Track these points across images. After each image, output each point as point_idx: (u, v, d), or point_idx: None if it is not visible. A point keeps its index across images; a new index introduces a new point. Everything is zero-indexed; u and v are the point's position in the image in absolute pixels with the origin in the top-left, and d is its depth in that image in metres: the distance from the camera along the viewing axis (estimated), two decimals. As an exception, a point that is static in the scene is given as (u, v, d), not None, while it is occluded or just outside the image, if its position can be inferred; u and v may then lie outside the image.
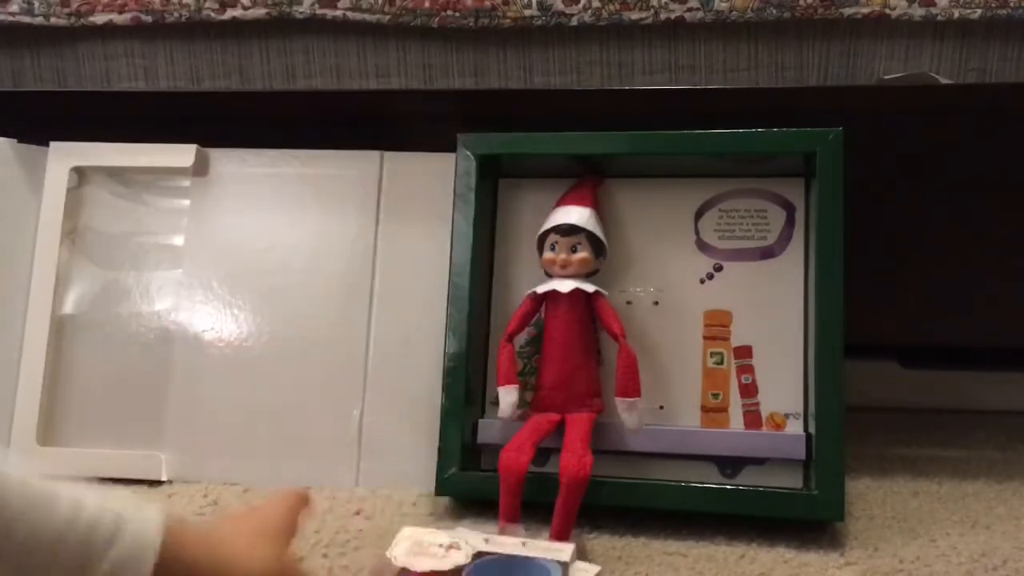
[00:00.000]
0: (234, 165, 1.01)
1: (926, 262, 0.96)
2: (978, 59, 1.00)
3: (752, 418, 0.85)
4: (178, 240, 1.01)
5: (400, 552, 0.66)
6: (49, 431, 0.97)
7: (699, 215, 0.90)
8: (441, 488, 0.85)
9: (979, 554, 0.76)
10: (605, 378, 0.87)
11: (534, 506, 0.77)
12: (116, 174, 1.02)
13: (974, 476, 0.95)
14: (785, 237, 0.88)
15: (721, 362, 0.87)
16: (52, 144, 1.02)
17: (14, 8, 1.10)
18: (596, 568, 0.70)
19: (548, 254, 0.87)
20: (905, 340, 1.05)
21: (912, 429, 1.13)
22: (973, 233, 0.96)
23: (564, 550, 0.68)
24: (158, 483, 0.93)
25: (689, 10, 1.01)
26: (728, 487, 0.82)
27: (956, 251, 0.96)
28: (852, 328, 0.81)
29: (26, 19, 1.10)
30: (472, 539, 0.68)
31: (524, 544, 0.68)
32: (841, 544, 0.79)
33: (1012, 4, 0.97)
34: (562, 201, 0.89)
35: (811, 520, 0.80)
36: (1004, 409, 1.19)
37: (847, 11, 1.00)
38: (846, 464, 0.80)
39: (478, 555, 0.66)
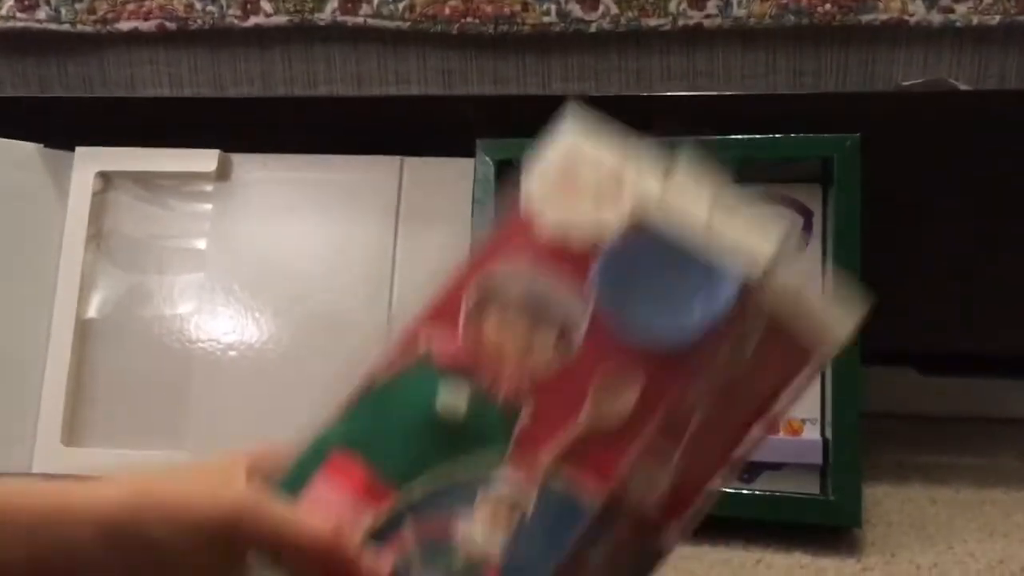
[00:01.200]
0: (256, 170, 1.02)
1: (943, 268, 0.96)
2: (997, 65, 1.00)
3: (769, 423, 0.85)
4: (201, 244, 1.02)
5: (544, 184, 0.44)
6: (73, 432, 0.98)
7: (716, 221, 0.90)
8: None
9: (996, 561, 0.76)
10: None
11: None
12: (140, 179, 1.04)
13: (992, 483, 0.95)
14: (802, 243, 0.88)
15: (738, 367, 0.87)
16: (78, 149, 1.03)
17: (41, 15, 1.11)
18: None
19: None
20: (923, 347, 1.04)
21: (930, 436, 1.12)
22: (992, 239, 0.95)
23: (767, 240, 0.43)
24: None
25: (707, 17, 1.01)
26: (745, 492, 0.82)
27: (974, 257, 0.96)
28: (869, 334, 0.81)
29: (53, 26, 1.12)
30: (645, 183, 0.44)
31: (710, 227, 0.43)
32: (858, 550, 0.79)
33: (1032, 11, 0.97)
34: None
35: (828, 526, 0.80)
36: (1022, 417, 1.19)
37: (865, 17, 1.00)
38: (863, 470, 0.80)
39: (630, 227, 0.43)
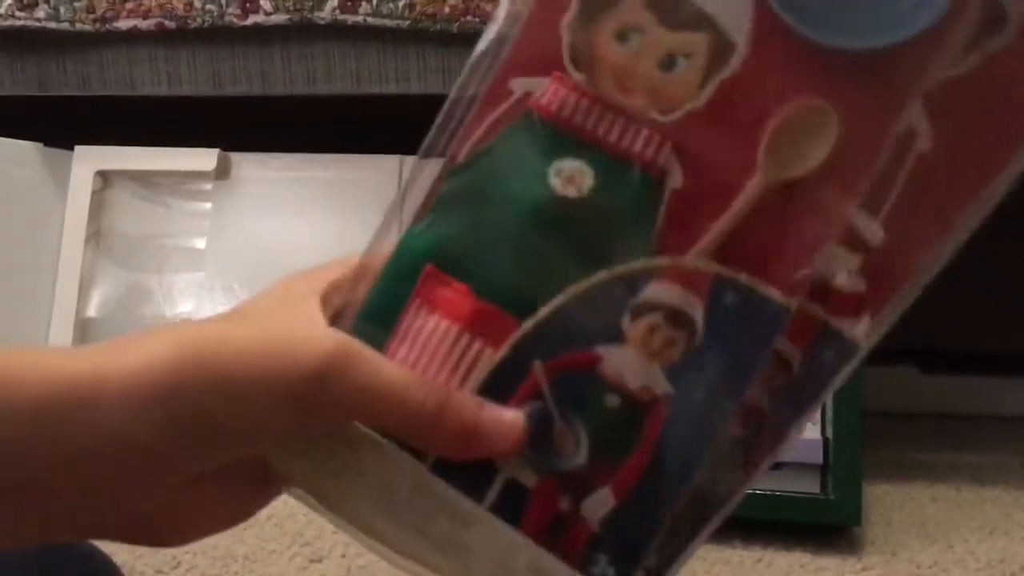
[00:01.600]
0: (255, 169, 1.02)
1: (945, 267, 0.96)
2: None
3: (769, 422, 0.85)
4: (200, 243, 1.02)
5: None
6: (73, 431, 0.98)
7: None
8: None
9: (997, 560, 0.76)
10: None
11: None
12: (140, 178, 1.04)
13: (993, 482, 0.95)
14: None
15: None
16: (77, 148, 1.03)
17: (40, 14, 1.11)
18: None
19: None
20: (924, 345, 1.04)
21: (931, 434, 1.12)
22: (995, 238, 0.95)
23: None
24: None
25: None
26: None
27: (977, 256, 0.96)
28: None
29: (52, 25, 1.11)
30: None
31: None
32: (858, 549, 0.79)
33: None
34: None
35: (828, 524, 0.80)
36: (1023, 415, 1.19)
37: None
38: (864, 469, 0.80)
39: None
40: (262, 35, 1.09)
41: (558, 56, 0.28)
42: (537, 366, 0.29)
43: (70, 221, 1.02)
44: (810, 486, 0.83)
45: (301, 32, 1.09)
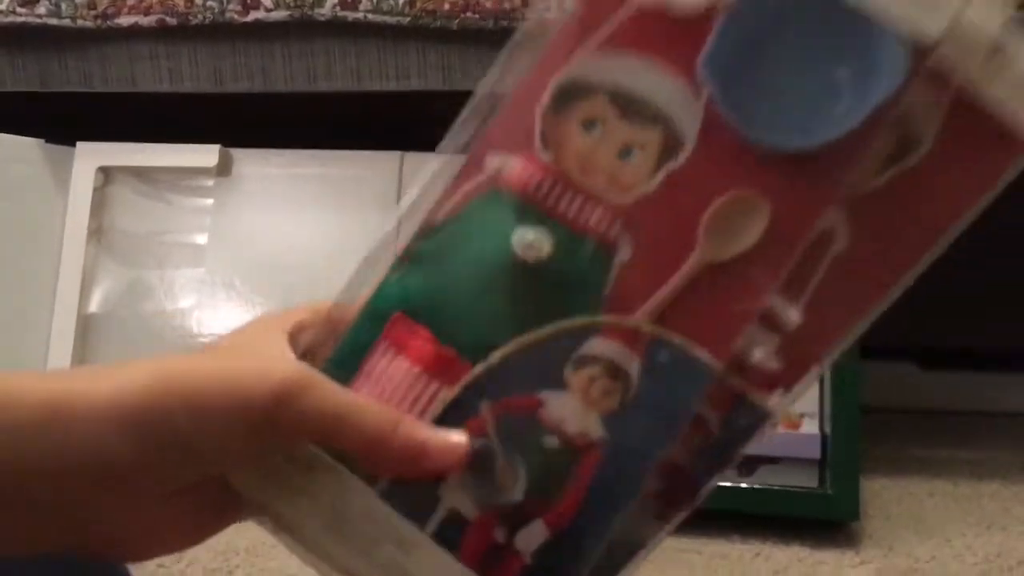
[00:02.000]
0: (256, 165, 1.03)
1: (944, 264, 0.96)
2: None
3: (768, 418, 0.86)
4: (201, 239, 1.02)
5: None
6: (74, 426, 0.98)
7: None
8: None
9: (994, 555, 0.76)
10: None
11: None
12: (141, 174, 1.04)
13: (990, 477, 0.95)
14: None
15: (737, 362, 0.87)
16: (78, 144, 1.04)
17: (42, 11, 1.12)
18: None
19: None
20: (923, 342, 1.05)
21: (929, 430, 1.13)
22: (992, 235, 0.96)
23: None
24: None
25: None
26: (743, 485, 0.82)
27: (974, 253, 0.96)
28: (870, 329, 0.81)
29: (53, 21, 1.12)
30: None
31: None
32: (856, 543, 0.79)
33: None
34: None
35: (826, 519, 0.81)
36: (1021, 411, 1.19)
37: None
38: (862, 464, 0.80)
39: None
40: (263, 32, 1.10)
41: (531, 137, 0.32)
42: (484, 406, 0.32)
43: (71, 217, 1.02)
44: (808, 481, 0.83)
45: (302, 29, 1.09)
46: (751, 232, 0.30)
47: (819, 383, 0.85)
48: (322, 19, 1.07)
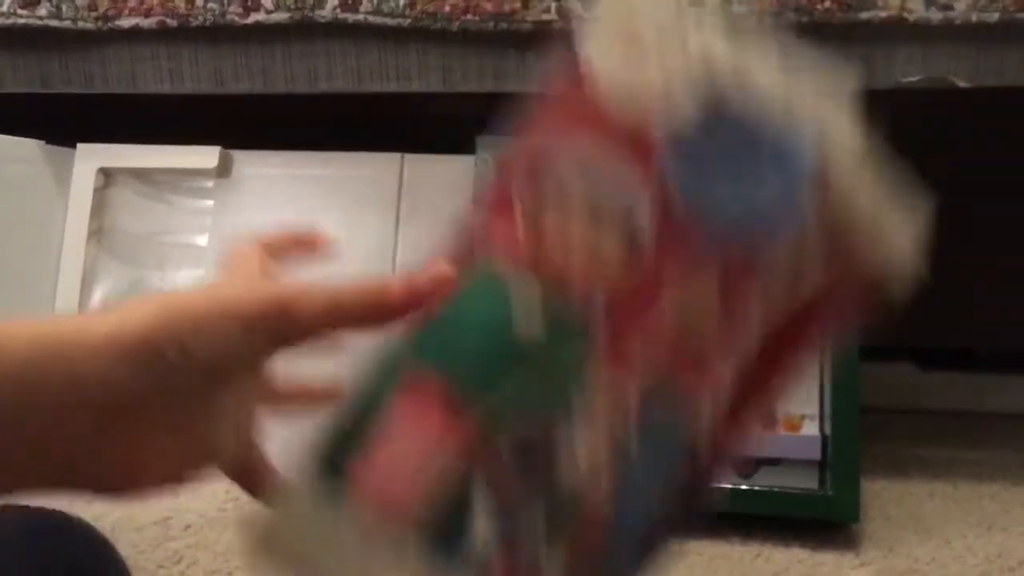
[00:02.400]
0: (257, 167, 1.03)
1: (943, 264, 0.96)
2: (995, 62, 1.00)
3: (768, 419, 0.86)
4: (201, 240, 1.02)
5: (602, 44, 0.36)
6: (75, 427, 0.98)
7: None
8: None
9: (995, 555, 0.77)
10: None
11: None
12: (141, 175, 1.04)
13: (990, 478, 0.95)
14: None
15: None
16: (79, 145, 1.04)
17: (43, 12, 1.12)
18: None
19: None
20: (923, 342, 1.05)
21: (929, 431, 1.13)
22: (991, 236, 0.96)
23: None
24: (181, 479, 0.94)
25: (707, 14, 1.01)
26: (743, 487, 0.83)
27: (973, 254, 0.96)
28: (869, 330, 0.81)
29: (54, 23, 1.12)
30: (719, 47, 0.35)
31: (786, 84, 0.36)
32: (856, 544, 0.79)
33: (1031, 7, 0.97)
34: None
35: (826, 520, 0.81)
36: (1021, 411, 1.19)
37: (864, 15, 1.00)
38: (862, 465, 0.80)
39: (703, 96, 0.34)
40: (263, 33, 1.10)
41: (515, 213, 0.35)
42: (501, 451, 0.34)
43: (72, 218, 1.02)
44: (808, 482, 0.84)
45: (302, 30, 1.09)
46: (710, 309, 0.34)
47: (819, 384, 0.85)
48: (323, 20, 1.07)
